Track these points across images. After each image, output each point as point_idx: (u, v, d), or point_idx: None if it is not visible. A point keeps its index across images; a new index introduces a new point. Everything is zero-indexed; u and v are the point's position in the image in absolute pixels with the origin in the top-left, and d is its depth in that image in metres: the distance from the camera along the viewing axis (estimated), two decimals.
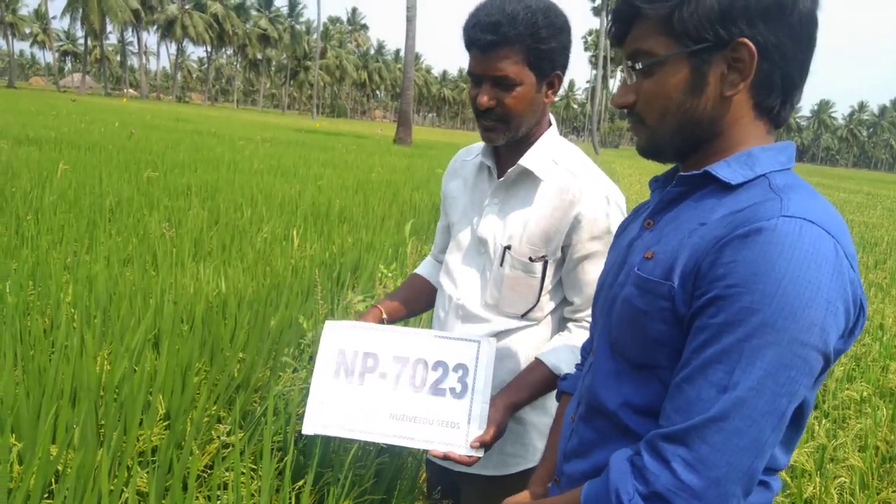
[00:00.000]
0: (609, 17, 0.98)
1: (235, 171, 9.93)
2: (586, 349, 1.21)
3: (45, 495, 1.87)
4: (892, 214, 18.21)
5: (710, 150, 0.92)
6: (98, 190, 6.59)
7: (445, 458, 1.35)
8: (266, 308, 3.37)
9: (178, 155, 11.19)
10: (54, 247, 4.40)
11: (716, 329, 0.79)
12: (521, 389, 1.42)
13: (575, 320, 1.50)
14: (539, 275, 1.46)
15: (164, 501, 1.91)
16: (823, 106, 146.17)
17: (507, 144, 1.49)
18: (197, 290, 3.64)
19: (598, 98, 53.00)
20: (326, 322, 1.52)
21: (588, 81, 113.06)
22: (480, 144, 1.58)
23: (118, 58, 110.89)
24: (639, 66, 0.91)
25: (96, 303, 3.23)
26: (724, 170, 0.89)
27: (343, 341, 1.48)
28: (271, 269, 4.43)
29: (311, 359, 3.00)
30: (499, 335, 1.50)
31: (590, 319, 1.39)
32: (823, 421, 3.41)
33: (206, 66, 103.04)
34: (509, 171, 1.48)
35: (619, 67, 0.99)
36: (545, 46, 1.37)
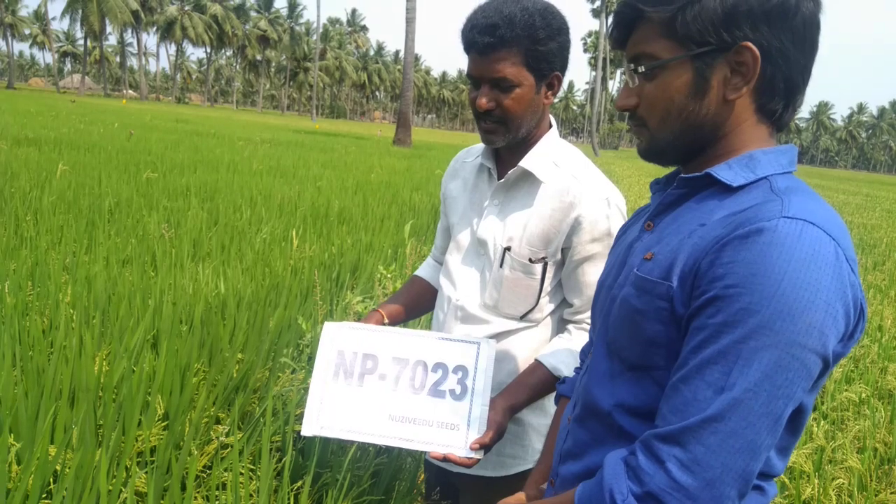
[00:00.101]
0: (610, 20, 0.97)
1: (235, 171, 9.94)
2: (585, 352, 1.22)
3: (44, 495, 1.87)
4: (890, 216, 18.22)
5: (712, 153, 0.92)
6: (97, 191, 6.59)
7: (445, 459, 1.34)
8: (265, 309, 3.37)
9: (177, 156, 11.19)
10: (53, 247, 4.40)
11: (714, 329, 0.79)
12: (521, 391, 1.42)
13: (575, 322, 1.50)
14: (539, 276, 1.46)
15: (162, 502, 1.91)
16: (822, 107, 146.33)
17: (507, 146, 1.49)
18: (196, 291, 3.64)
19: (597, 99, 53.06)
20: (325, 323, 1.51)
21: (587, 83, 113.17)
22: (481, 145, 1.58)
23: (118, 59, 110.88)
24: (641, 69, 0.91)
25: (95, 303, 3.22)
26: (725, 172, 0.89)
27: (342, 342, 1.48)
28: (270, 269, 4.43)
29: (310, 359, 3.00)
30: (498, 336, 1.50)
31: (589, 321, 1.39)
32: (822, 422, 3.41)
33: (205, 67, 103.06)
34: (509, 172, 1.48)
35: (619, 69, 1.00)
36: (543, 48, 1.37)
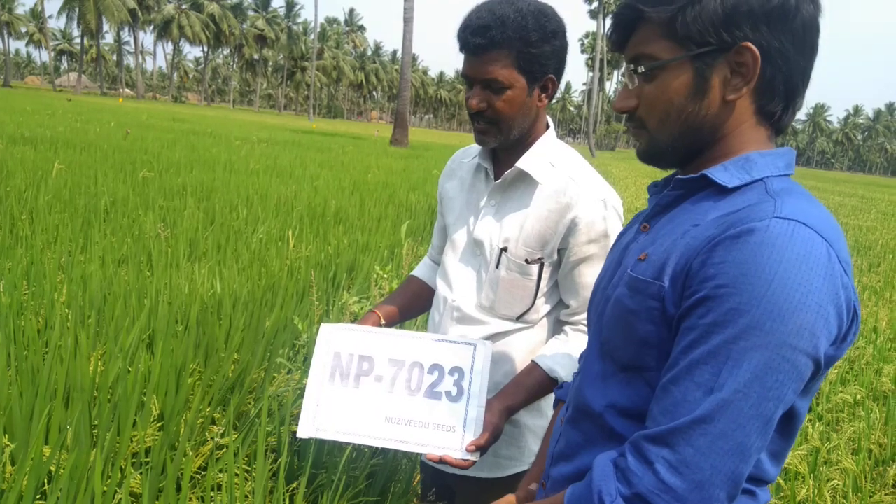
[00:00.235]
0: (608, 21, 0.97)
1: (231, 171, 9.92)
2: (583, 356, 1.21)
3: (38, 496, 1.86)
4: (886, 218, 18.28)
5: (710, 155, 0.92)
6: (93, 190, 6.58)
7: (441, 461, 1.34)
8: (261, 309, 3.37)
9: (173, 155, 11.17)
10: (49, 246, 4.39)
11: (704, 330, 0.78)
12: (517, 393, 1.42)
13: (571, 324, 1.50)
14: (535, 277, 1.46)
15: (157, 503, 1.90)
16: (819, 109, 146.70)
17: (503, 146, 1.49)
18: (192, 291, 3.63)
19: (594, 100, 53.14)
20: (322, 325, 1.51)
21: (584, 84, 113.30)
22: (478, 146, 1.58)
23: (114, 57, 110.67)
24: (641, 69, 0.91)
25: (90, 303, 3.22)
26: (720, 173, 0.88)
27: (338, 344, 1.48)
28: (266, 269, 4.43)
29: (306, 360, 3.00)
30: (494, 337, 1.50)
31: (586, 323, 1.39)
32: (817, 424, 3.42)
33: (202, 66, 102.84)
34: (506, 173, 1.48)
35: (616, 70, 0.99)
36: (535, 50, 1.37)
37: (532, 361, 1.45)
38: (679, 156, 0.95)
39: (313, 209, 7.14)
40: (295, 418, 2.23)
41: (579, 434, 1.00)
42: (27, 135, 11.85)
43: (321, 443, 2.15)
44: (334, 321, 2.85)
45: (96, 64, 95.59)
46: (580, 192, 1.42)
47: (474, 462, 1.35)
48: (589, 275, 1.44)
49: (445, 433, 1.37)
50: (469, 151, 1.66)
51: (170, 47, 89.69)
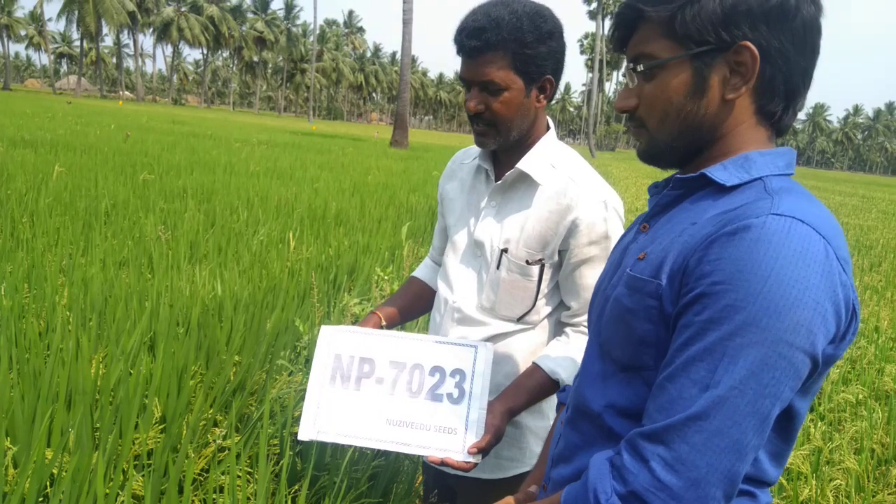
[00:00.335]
0: (607, 22, 0.97)
1: (231, 173, 9.93)
2: (583, 356, 1.21)
3: (40, 499, 1.86)
4: (886, 217, 18.27)
5: (709, 154, 0.92)
6: (94, 192, 6.58)
7: (443, 464, 1.34)
8: (262, 311, 3.37)
9: (174, 157, 11.18)
10: (50, 249, 4.39)
11: (700, 326, 0.78)
12: (519, 394, 1.42)
13: (572, 325, 1.50)
14: (535, 278, 1.46)
15: None
16: (818, 109, 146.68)
17: (503, 148, 1.49)
18: (193, 293, 3.64)
19: (594, 101, 53.13)
20: (322, 327, 1.51)
21: (584, 84, 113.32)
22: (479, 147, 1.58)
23: (114, 60, 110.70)
24: (640, 68, 0.91)
25: (92, 305, 3.22)
26: (719, 172, 0.88)
27: (339, 346, 1.48)
28: (267, 271, 4.43)
29: (308, 362, 3.00)
30: (495, 339, 1.50)
31: (587, 324, 1.39)
32: (819, 423, 3.41)
33: (202, 68, 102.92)
34: (507, 174, 1.48)
35: (616, 71, 0.99)
36: (531, 51, 1.37)
37: (533, 363, 1.45)
38: (678, 155, 0.95)
39: (314, 211, 7.14)
40: (297, 420, 2.23)
41: (578, 435, 1.00)
42: (27, 138, 11.86)
43: (323, 445, 2.15)
44: (335, 323, 2.85)
45: (96, 67, 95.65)
46: (581, 193, 1.42)
47: (476, 464, 1.35)
48: (590, 276, 1.43)
49: (447, 435, 1.36)
50: (469, 153, 1.66)
51: (169, 50, 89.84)
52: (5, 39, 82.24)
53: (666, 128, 0.92)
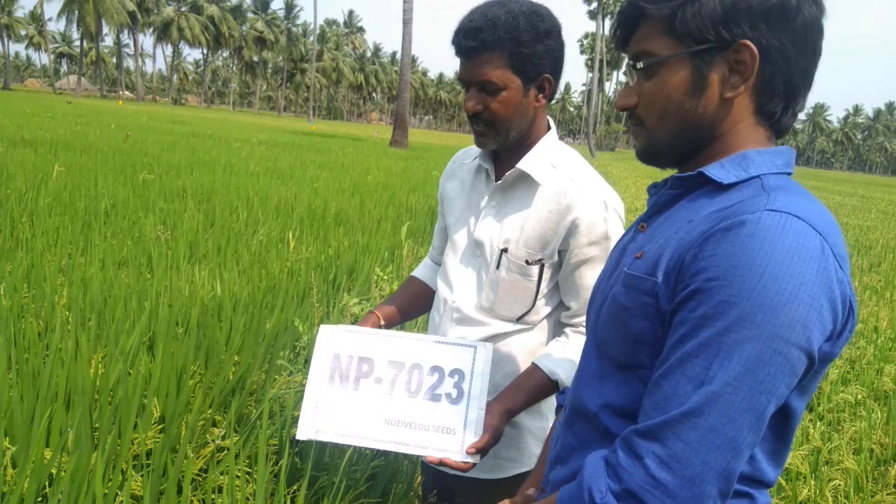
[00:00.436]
0: (607, 21, 0.98)
1: (231, 173, 9.92)
2: (581, 357, 1.21)
3: (39, 499, 1.86)
4: (886, 217, 18.27)
5: (707, 153, 0.92)
6: (93, 192, 6.58)
7: (441, 464, 1.34)
8: (261, 311, 3.37)
9: (173, 157, 11.18)
10: (49, 249, 4.39)
11: (695, 323, 0.77)
12: (518, 395, 1.42)
13: (572, 326, 1.49)
14: (535, 278, 1.46)
15: None
16: (818, 109, 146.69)
17: (503, 148, 1.49)
18: (192, 293, 3.64)
19: (594, 101, 53.12)
20: (321, 326, 1.51)
21: (584, 84, 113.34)
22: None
23: (114, 60, 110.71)
24: (640, 65, 0.91)
25: (91, 305, 3.22)
26: (717, 170, 0.88)
27: (338, 346, 1.48)
28: (267, 271, 4.43)
29: (307, 362, 3.00)
30: (494, 338, 1.50)
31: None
32: (818, 424, 3.41)
33: (202, 68, 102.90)
34: (507, 174, 1.48)
35: (616, 70, 0.99)
36: (528, 50, 1.37)
37: (532, 363, 1.45)
38: (677, 154, 0.95)
39: (313, 211, 7.14)
40: (296, 420, 2.23)
41: (574, 436, 1.00)
42: (27, 137, 11.85)
43: (322, 445, 2.15)
44: (335, 323, 2.85)
45: (96, 66, 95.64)
46: (581, 193, 1.42)
47: (474, 464, 1.35)
48: (589, 276, 1.43)
49: (445, 435, 1.36)
50: (470, 152, 1.66)
51: (169, 49, 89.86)
52: (5, 39, 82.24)
53: (664, 126, 0.92)
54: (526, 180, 1.48)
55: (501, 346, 1.51)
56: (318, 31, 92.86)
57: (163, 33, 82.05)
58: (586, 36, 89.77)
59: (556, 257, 1.46)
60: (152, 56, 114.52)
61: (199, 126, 25.27)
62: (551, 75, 1.43)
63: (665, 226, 0.92)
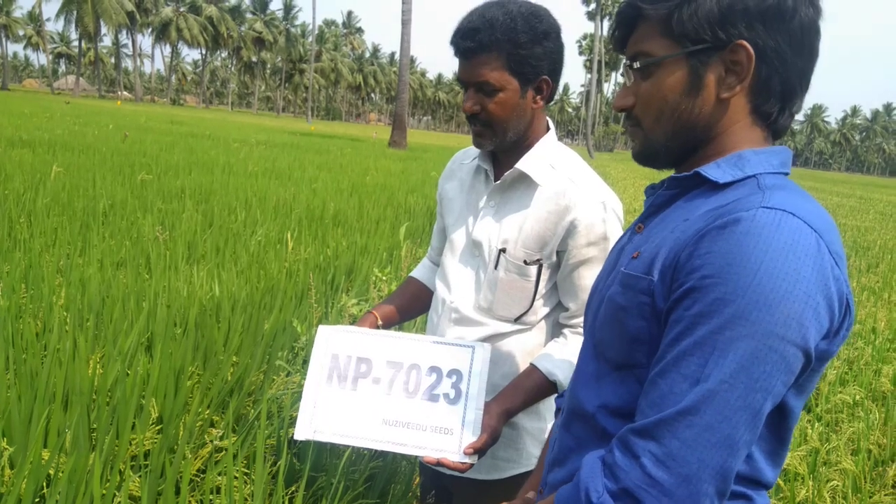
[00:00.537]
0: (605, 22, 0.98)
1: (230, 173, 9.92)
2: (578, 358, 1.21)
3: (37, 500, 1.86)
4: (884, 218, 18.30)
5: (704, 153, 0.92)
6: (91, 192, 6.57)
7: (439, 464, 1.34)
8: (260, 311, 3.37)
9: (172, 157, 11.17)
10: (47, 249, 4.39)
11: (690, 321, 0.77)
12: (516, 395, 1.42)
13: (570, 326, 1.49)
14: (533, 278, 1.46)
15: None
16: (816, 110, 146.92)
17: (501, 148, 1.49)
18: (190, 294, 3.63)
19: (592, 102, 53.14)
20: (319, 326, 1.51)
21: (583, 85, 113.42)
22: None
23: (112, 60, 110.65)
24: (636, 65, 0.91)
25: (89, 306, 3.21)
26: (713, 170, 0.88)
27: (336, 346, 1.48)
28: (265, 272, 4.42)
29: (305, 362, 3.00)
30: (492, 339, 1.50)
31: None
32: (816, 424, 3.42)
33: (200, 68, 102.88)
34: (506, 174, 1.48)
35: (615, 71, 1.00)
36: (525, 51, 1.37)
37: (531, 364, 1.45)
38: (673, 156, 0.95)
39: (312, 211, 7.14)
40: (294, 421, 2.23)
41: (571, 438, 1.00)
42: (25, 138, 11.84)
43: (320, 445, 2.15)
44: (333, 323, 2.85)
45: (94, 67, 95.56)
46: (580, 194, 1.42)
47: (472, 465, 1.35)
48: (588, 277, 1.43)
49: (443, 436, 1.36)
50: (469, 153, 1.66)
51: (168, 50, 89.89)
52: (3, 39, 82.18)
53: (660, 126, 0.92)
54: (525, 181, 1.48)
55: (499, 346, 1.51)
56: (316, 32, 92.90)
57: (161, 34, 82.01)
58: (585, 37, 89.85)
59: (554, 258, 1.46)
60: (151, 56, 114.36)
61: (197, 126, 25.25)
62: (549, 77, 1.43)
63: (661, 226, 0.92)
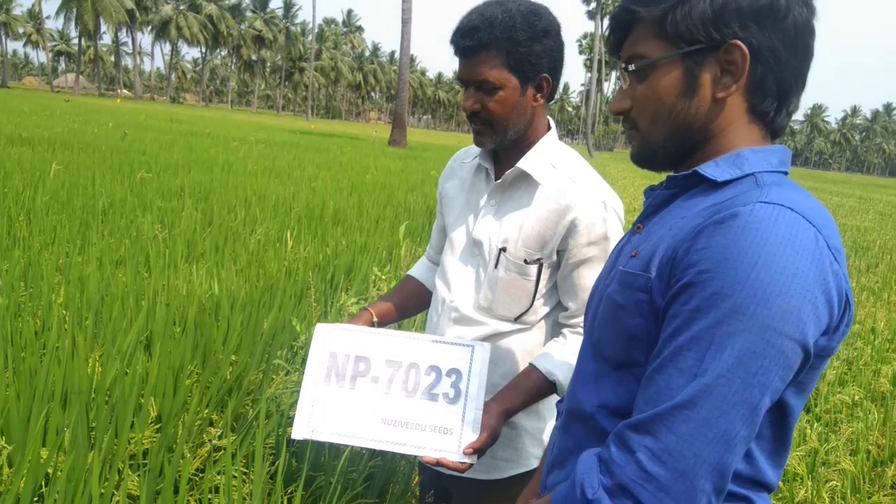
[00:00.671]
0: (605, 22, 0.98)
1: (229, 172, 9.91)
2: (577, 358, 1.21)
3: (35, 499, 1.86)
4: (884, 218, 18.31)
5: (702, 154, 0.92)
6: (91, 191, 6.57)
7: (438, 464, 1.34)
8: (259, 310, 3.37)
9: (171, 156, 11.16)
10: (46, 248, 4.38)
11: (687, 316, 0.77)
12: (515, 395, 1.42)
13: (570, 326, 1.49)
14: (533, 278, 1.46)
15: None
16: (816, 110, 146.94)
17: (501, 147, 1.49)
18: (189, 292, 3.63)
19: (592, 101, 53.18)
20: (317, 325, 1.51)
21: (583, 84, 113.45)
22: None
23: (112, 58, 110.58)
24: (631, 67, 0.91)
25: (88, 304, 3.21)
26: (711, 169, 0.88)
27: (334, 344, 1.48)
28: (264, 271, 4.42)
29: (304, 361, 2.99)
30: (492, 338, 1.50)
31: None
32: (815, 425, 3.42)
33: (200, 66, 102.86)
34: (507, 173, 1.48)
35: (615, 70, 1.00)
36: (524, 49, 1.37)
37: (530, 364, 1.45)
38: (671, 157, 0.95)
39: (311, 210, 7.13)
40: (293, 420, 2.23)
41: (570, 439, 0.99)
42: (25, 135, 11.83)
43: (319, 445, 2.15)
44: (332, 322, 2.85)
45: (94, 65, 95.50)
46: (580, 193, 1.42)
47: (471, 465, 1.34)
48: (588, 277, 1.43)
49: (442, 435, 1.36)
50: (470, 152, 1.65)
51: (168, 48, 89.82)
52: (3, 37, 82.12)
53: (657, 128, 0.92)
54: (526, 180, 1.48)
55: (499, 345, 1.50)
56: (316, 30, 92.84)
57: (161, 32, 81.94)
58: (585, 36, 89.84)
59: (554, 257, 1.46)
60: (150, 54, 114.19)
61: (197, 125, 25.23)
62: (550, 75, 1.43)
63: (660, 224, 0.92)
